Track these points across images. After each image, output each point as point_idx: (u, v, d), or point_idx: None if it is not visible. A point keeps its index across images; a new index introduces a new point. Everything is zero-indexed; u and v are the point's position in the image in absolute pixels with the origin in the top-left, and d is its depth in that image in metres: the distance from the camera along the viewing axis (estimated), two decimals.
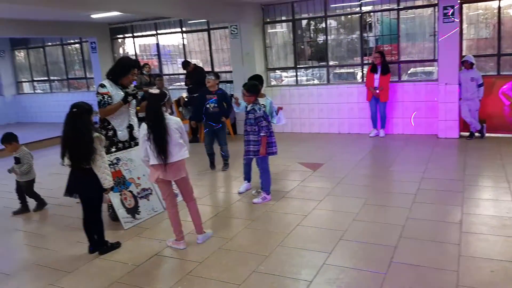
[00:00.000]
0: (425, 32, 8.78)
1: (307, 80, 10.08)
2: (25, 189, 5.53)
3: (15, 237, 4.80)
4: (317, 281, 3.41)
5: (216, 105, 6.61)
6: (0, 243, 4.64)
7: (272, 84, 10.30)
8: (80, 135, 3.83)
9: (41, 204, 5.65)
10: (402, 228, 4.26)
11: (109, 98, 4.56)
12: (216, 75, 7.00)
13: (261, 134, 5.08)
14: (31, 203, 5.61)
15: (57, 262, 4.03)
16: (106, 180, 3.99)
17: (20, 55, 14.67)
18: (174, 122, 3.96)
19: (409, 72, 9.23)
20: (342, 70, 9.98)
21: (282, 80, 10.49)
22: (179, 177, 4.01)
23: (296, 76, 9.99)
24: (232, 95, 9.71)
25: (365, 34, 9.27)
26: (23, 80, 14.76)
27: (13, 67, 14.64)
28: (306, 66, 10.04)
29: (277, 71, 10.42)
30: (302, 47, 10.03)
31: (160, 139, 3.80)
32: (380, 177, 5.97)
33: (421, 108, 8.57)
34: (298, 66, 9.94)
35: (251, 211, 5.08)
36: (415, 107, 8.61)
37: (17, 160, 5.44)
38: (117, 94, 4.64)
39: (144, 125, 3.91)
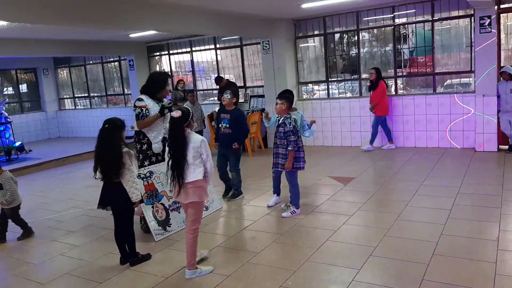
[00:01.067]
0: (461, 43, 8.56)
1: (339, 94, 10.01)
2: (9, 216, 5.23)
3: (52, 247, 4.98)
4: None
5: (228, 125, 5.95)
6: (38, 253, 4.83)
7: (304, 97, 10.30)
8: (110, 149, 3.96)
9: (27, 232, 5.30)
10: (435, 245, 4.12)
11: (146, 111, 4.74)
12: (234, 92, 6.15)
13: (289, 148, 5.08)
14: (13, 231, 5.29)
15: (89, 272, 4.16)
16: (134, 194, 4.08)
17: (63, 73, 15.37)
18: (194, 140, 3.77)
19: (445, 84, 9.00)
20: None
21: (314, 94, 10.46)
22: (188, 201, 3.79)
23: (328, 89, 9.95)
24: (263, 110, 9.83)
25: (399, 46, 9.15)
26: (65, 96, 15.44)
27: (55, 85, 15.36)
28: (338, 79, 9.98)
29: (309, 84, 10.41)
30: (335, 60, 9.99)
31: (177, 165, 3.71)
32: (414, 192, 5.80)
33: (458, 121, 8.31)
34: (330, 80, 9.90)
35: (280, 225, 5.06)
36: (450, 120, 8.37)
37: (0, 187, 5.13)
38: (154, 107, 4.82)
39: (167, 148, 3.87)
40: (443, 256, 3.90)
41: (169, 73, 5.24)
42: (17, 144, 10.88)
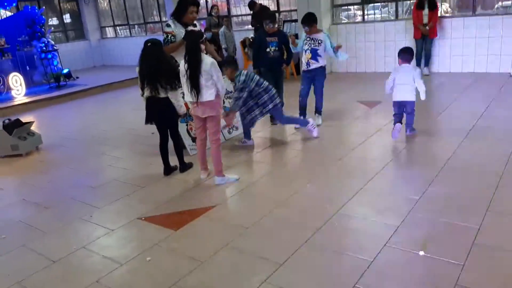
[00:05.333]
0: None
1: (381, 18, 9.75)
2: None
3: (101, 159, 5.66)
4: (353, 202, 3.75)
5: (277, 48, 6.05)
6: (90, 164, 5.52)
7: (340, 22, 10.14)
8: (165, 62, 4.34)
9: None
10: (446, 161, 4.38)
11: (172, 37, 4.99)
12: (273, 16, 6.25)
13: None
14: None
15: (133, 179, 4.79)
16: (182, 107, 4.55)
17: (103, 1, 15.68)
18: (205, 63, 4.04)
19: (496, 6, 8.55)
20: None
21: (356, 18, 10.18)
22: (206, 115, 4.19)
23: (363, 12, 9.75)
24: (296, 35, 9.85)
25: None
26: (106, 25, 15.87)
27: (96, 13, 15.76)
28: (374, 1, 9.70)
29: (350, 8, 10.14)
30: None
31: (194, 76, 4.04)
32: (436, 115, 5.96)
33: (495, 44, 8.06)
34: (365, 1, 9.65)
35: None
36: (488, 43, 8.13)
37: None
38: (180, 32, 5.00)
39: (182, 62, 4.16)
40: (451, 170, 4.19)
41: (198, 1, 5.28)
42: (65, 71, 11.59)
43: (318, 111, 6.08)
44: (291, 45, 5.97)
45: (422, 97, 5.02)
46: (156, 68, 4.30)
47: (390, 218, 3.40)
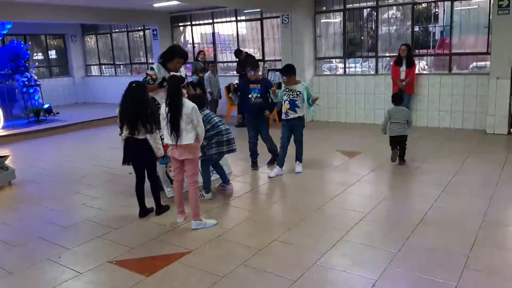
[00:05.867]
0: (479, 24, 8.54)
1: (362, 71, 10.10)
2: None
3: (75, 197, 5.49)
4: (331, 253, 3.69)
5: (259, 95, 6.10)
6: (63, 202, 5.33)
7: (322, 74, 10.44)
8: (147, 105, 4.34)
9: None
10: (424, 214, 4.40)
11: (151, 80, 4.99)
12: (254, 64, 6.33)
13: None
14: None
15: (106, 220, 4.64)
16: (160, 150, 4.50)
17: (90, 40, 15.85)
18: (186, 107, 4.11)
19: (470, 66, 9.00)
20: None
21: (338, 71, 10.52)
22: (182, 158, 4.20)
23: (344, 65, 10.10)
24: (280, 84, 10.08)
25: (431, 25, 9.29)
26: (92, 63, 15.96)
27: (83, 51, 15.88)
28: (355, 56, 10.09)
29: (332, 61, 10.51)
30: (362, 37, 10.05)
31: (174, 120, 4.07)
32: (414, 168, 6.05)
33: (471, 103, 8.40)
34: (346, 56, 10.02)
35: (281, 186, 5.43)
36: (464, 101, 8.46)
37: None
38: (161, 77, 5.02)
39: (163, 105, 4.22)
40: (429, 224, 4.19)
41: (185, 51, 5.31)
42: (46, 106, 11.47)
43: (298, 159, 6.12)
44: (272, 96, 6.04)
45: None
46: (137, 109, 4.31)
47: (369, 272, 3.35)
